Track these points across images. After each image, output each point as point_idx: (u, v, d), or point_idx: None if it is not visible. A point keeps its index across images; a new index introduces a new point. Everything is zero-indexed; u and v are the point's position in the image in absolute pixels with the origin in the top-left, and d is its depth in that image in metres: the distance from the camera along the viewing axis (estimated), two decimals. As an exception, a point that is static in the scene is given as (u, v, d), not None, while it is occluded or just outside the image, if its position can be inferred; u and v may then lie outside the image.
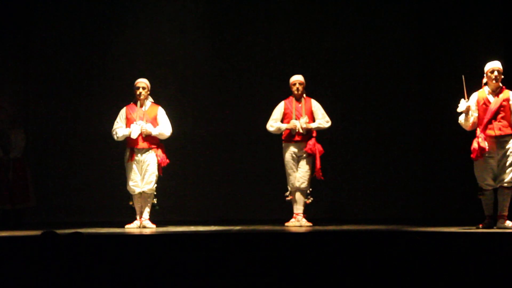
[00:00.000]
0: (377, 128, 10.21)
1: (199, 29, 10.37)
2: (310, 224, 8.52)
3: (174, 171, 9.34)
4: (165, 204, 8.99)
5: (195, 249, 6.88)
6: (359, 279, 4.18)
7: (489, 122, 7.54)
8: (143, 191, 8.37)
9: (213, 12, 10.43)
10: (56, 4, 10.35)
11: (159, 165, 8.42)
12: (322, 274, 6.36)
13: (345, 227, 8.26)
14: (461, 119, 7.70)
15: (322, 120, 8.67)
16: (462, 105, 7.62)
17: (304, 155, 8.59)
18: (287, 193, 8.67)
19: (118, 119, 8.51)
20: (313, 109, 8.68)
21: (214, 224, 8.70)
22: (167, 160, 8.46)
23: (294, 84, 8.68)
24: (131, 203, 8.48)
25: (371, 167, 10.21)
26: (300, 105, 8.66)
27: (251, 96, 10.26)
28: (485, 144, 7.48)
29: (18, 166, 9.27)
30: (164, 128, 8.46)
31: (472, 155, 7.56)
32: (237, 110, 10.34)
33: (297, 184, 8.57)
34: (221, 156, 10.29)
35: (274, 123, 8.72)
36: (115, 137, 8.48)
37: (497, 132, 7.52)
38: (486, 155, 7.51)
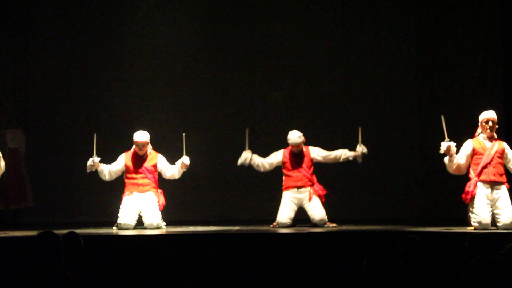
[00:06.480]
0: (377, 128, 10.19)
1: (198, 29, 10.36)
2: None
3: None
4: (165, 204, 8.98)
5: (195, 249, 6.88)
6: (358, 279, 4.18)
7: (485, 167, 7.54)
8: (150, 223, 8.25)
9: (212, 13, 10.42)
10: (56, 4, 10.35)
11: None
12: (322, 274, 6.36)
13: (344, 227, 8.27)
14: (446, 160, 7.69)
15: (327, 152, 8.63)
16: (443, 146, 7.58)
17: (313, 198, 8.45)
18: (275, 224, 8.49)
19: (116, 161, 8.43)
20: (311, 155, 8.56)
21: (214, 224, 8.69)
22: (164, 203, 8.40)
23: (291, 142, 8.47)
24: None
25: (371, 167, 10.20)
26: (298, 156, 8.52)
27: (251, 97, 10.25)
28: (476, 192, 7.48)
29: (14, 166, 9.22)
30: (173, 169, 8.41)
31: (463, 196, 7.58)
32: (237, 110, 10.33)
33: (317, 219, 8.36)
34: (221, 156, 10.27)
35: (261, 161, 8.65)
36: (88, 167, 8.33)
37: (492, 178, 7.54)
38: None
